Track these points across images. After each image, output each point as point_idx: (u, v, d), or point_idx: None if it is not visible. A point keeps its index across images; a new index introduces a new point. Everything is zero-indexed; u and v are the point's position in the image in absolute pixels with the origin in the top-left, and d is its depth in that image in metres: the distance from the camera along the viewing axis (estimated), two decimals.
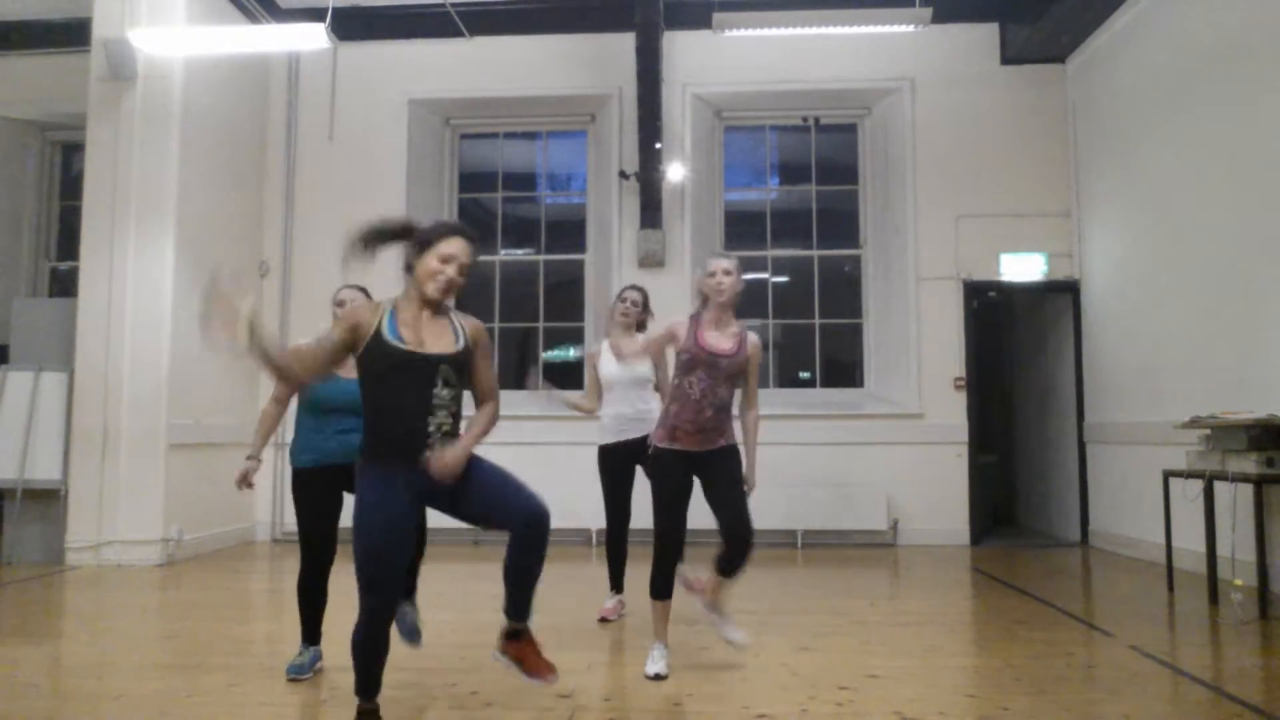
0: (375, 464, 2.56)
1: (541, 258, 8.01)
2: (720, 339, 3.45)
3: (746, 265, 8.08)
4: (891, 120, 7.63)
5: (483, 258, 8.03)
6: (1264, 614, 4.36)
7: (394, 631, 2.85)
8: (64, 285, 8.06)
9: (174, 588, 5.31)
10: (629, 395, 4.43)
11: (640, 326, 4.54)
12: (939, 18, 6.62)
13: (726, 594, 3.64)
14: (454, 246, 2.58)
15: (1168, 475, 5.17)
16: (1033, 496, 8.22)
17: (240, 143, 7.36)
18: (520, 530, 2.55)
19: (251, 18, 7.19)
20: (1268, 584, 4.57)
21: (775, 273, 7.97)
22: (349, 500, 3.24)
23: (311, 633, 3.49)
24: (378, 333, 2.52)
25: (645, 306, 4.55)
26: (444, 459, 2.48)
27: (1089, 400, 7.13)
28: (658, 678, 3.35)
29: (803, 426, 7.16)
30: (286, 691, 3.21)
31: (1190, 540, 5.28)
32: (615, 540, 4.51)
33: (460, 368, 2.57)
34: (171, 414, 6.25)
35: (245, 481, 3.51)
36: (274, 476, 7.51)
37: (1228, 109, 5.39)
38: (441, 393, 2.53)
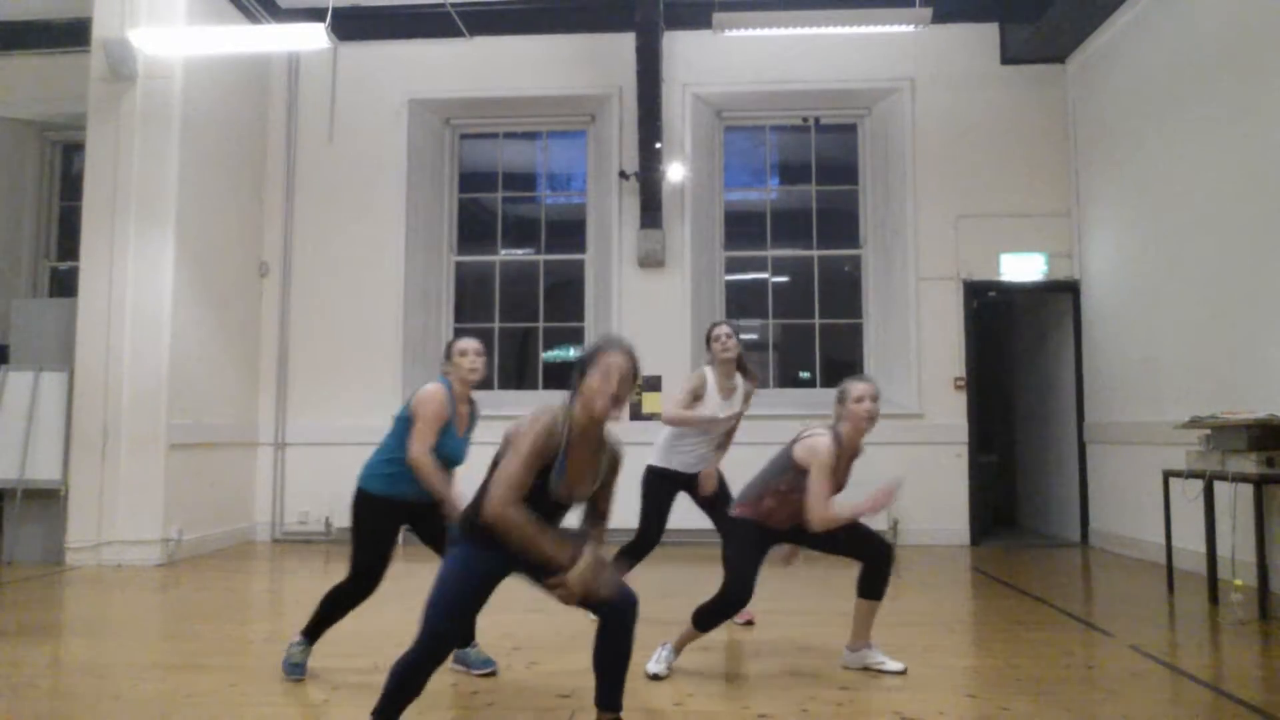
0: (485, 538, 2.44)
1: (541, 258, 8.02)
2: (846, 469, 3.54)
3: (747, 265, 8.15)
4: (891, 120, 7.63)
5: (482, 258, 8.09)
6: (1264, 614, 4.36)
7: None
8: (64, 285, 8.06)
9: (174, 588, 5.31)
10: (715, 434, 4.40)
11: (740, 364, 4.39)
12: (939, 18, 6.63)
13: (871, 617, 3.53)
14: (624, 365, 2.44)
15: (1168, 475, 5.17)
16: (1033, 496, 8.22)
17: (240, 143, 7.36)
18: (608, 617, 2.49)
19: (251, 18, 7.19)
20: (1268, 584, 4.57)
21: (775, 273, 7.97)
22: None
23: (315, 633, 3.47)
24: (549, 468, 2.42)
25: (739, 337, 4.42)
26: (584, 585, 2.40)
27: (1089, 400, 7.13)
28: (655, 678, 3.36)
29: (802, 427, 7.14)
30: (286, 691, 3.21)
31: (1190, 540, 5.29)
32: (639, 553, 4.44)
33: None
34: (171, 414, 6.25)
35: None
36: (274, 476, 7.51)
37: (1228, 108, 5.39)
38: (560, 515, 2.54)
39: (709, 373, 4.35)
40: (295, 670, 3.38)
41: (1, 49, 7.70)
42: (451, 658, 3.39)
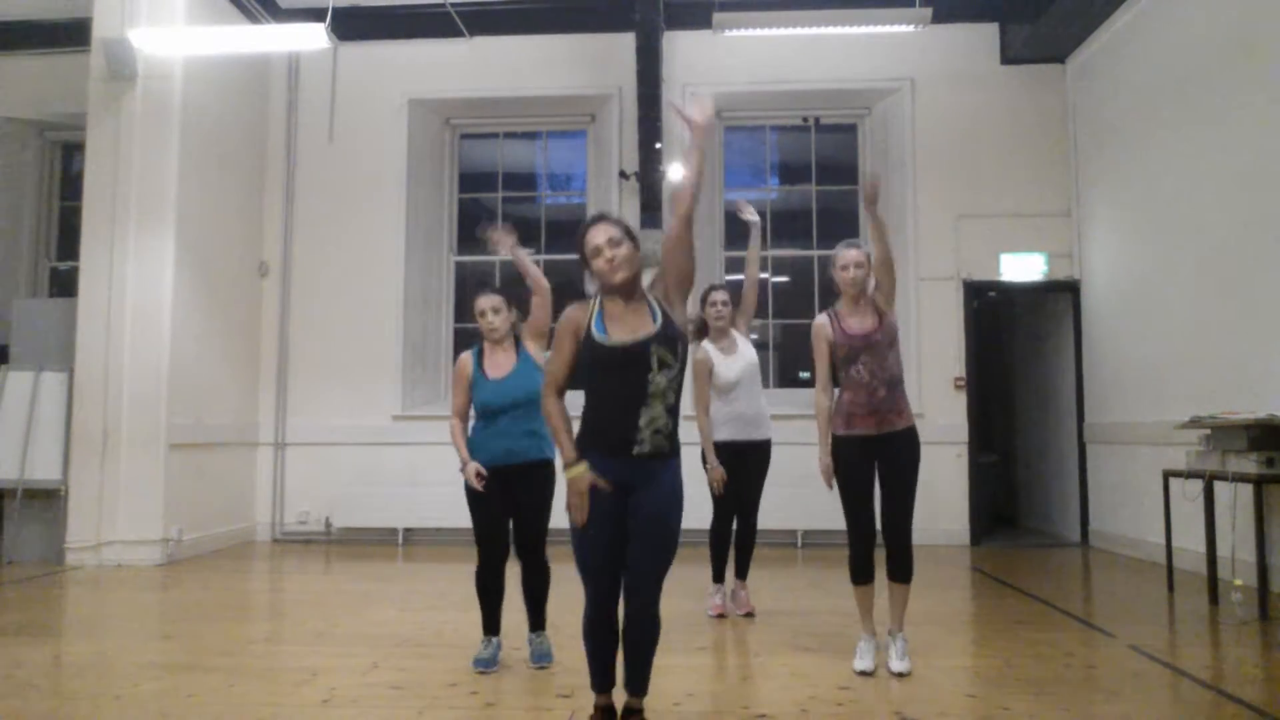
0: (587, 454, 2.51)
1: (541, 258, 8.01)
2: (861, 322, 3.53)
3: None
4: (891, 120, 7.63)
5: (482, 258, 8.08)
6: (1264, 614, 4.36)
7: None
8: (64, 285, 8.05)
9: (174, 588, 5.31)
10: (752, 390, 4.42)
11: (733, 325, 4.49)
12: (939, 18, 6.62)
13: (901, 608, 3.53)
14: (594, 236, 2.58)
15: (1168, 475, 5.17)
16: (1033, 496, 8.22)
17: (240, 143, 7.36)
18: (630, 611, 2.55)
19: (251, 18, 7.19)
20: (1268, 584, 4.57)
21: (775, 273, 7.97)
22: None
23: (491, 624, 3.58)
24: (588, 332, 2.54)
25: (735, 304, 4.51)
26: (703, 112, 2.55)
27: (1089, 400, 7.13)
28: (864, 674, 3.38)
29: (803, 426, 7.09)
30: (286, 691, 3.21)
31: (1190, 540, 5.28)
32: (722, 533, 4.47)
33: (671, 344, 2.51)
34: (171, 414, 6.25)
35: (479, 478, 3.49)
36: (274, 476, 7.51)
37: (1228, 108, 5.39)
38: (658, 379, 2.48)
39: (708, 347, 4.43)
40: (483, 664, 3.48)
41: (1, 49, 7.70)
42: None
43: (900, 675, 3.38)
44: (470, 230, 8.12)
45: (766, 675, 3.42)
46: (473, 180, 8.21)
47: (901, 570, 3.51)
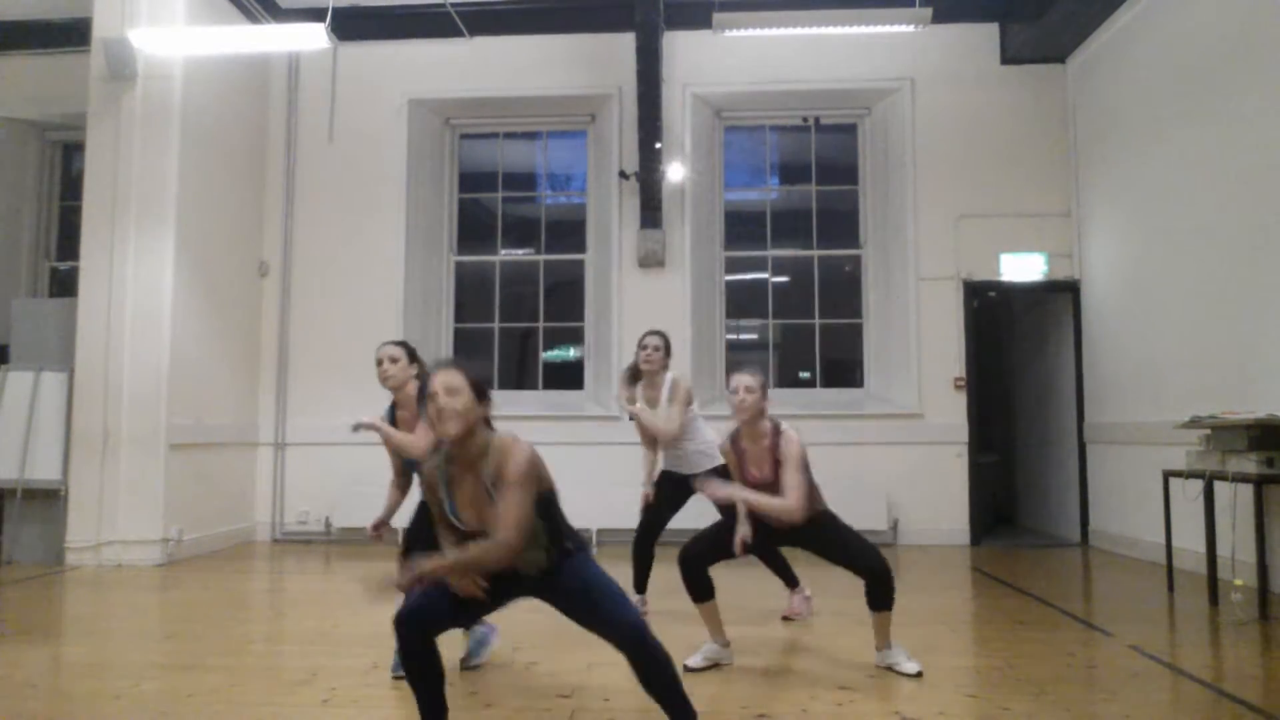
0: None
1: (541, 258, 8.01)
2: (757, 463, 3.51)
3: (747, 265, 8.15)
4: (891, 120, 7.63)
5: (482, 258, 8.09)
6: (1264, 614, 4.36)
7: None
8: (64, 285, 8.06)
9: (174, 588, 5.31)
10: (669, 447, 4.48)
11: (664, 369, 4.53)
12: (939, 18, 6.63)
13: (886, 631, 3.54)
14: (433, 381, 2.40)
15: (1168, 475, 5.17)
16: (1033, 496, 8.22)
17: (240, 143, 7.36)
18: (626, 652, 2.48)
19: (251, 18, 7.19)
20: (1268, 584, 4.57)
21: (775, 273, 7.97)
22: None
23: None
24: (440, 504, 2.51)
25: (667, 351, 4.51)
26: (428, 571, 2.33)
27: (1089, 400, 7.13)
28: (919, 675, 3.39)
29: (803, 426, 7.02)
30: (286, 691, 3.21)
31: (1190, 540, 5.29)
32: (643, 549, 4.50)
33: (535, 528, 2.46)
34: (171, 414, 6.25)
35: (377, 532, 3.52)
36: (274, 476, 7.52)
37: (1228, 108, 5.39)
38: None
39: (639, 399, 4.53)
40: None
41: (1, 49, 7.71)
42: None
43: (918, 675, 3.38)
44: (470, 230, 8.12)
45: (767, 675, 3.41)
46: (473, 180, 8.21)
47: (882, 599, 3.45)
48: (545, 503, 2.47)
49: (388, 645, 3.86)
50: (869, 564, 3.39)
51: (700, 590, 3.54)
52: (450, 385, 2.37)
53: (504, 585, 2.54)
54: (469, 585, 2.44)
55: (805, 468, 3.45)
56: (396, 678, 3.39)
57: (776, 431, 3.53)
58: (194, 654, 3.74)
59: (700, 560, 3.55)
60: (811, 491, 3.48)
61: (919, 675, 3.39)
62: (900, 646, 3.56)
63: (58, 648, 3.89)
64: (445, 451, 2.48)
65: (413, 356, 3.61)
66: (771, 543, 3.62)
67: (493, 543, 2.32)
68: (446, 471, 2.48)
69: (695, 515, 4.72)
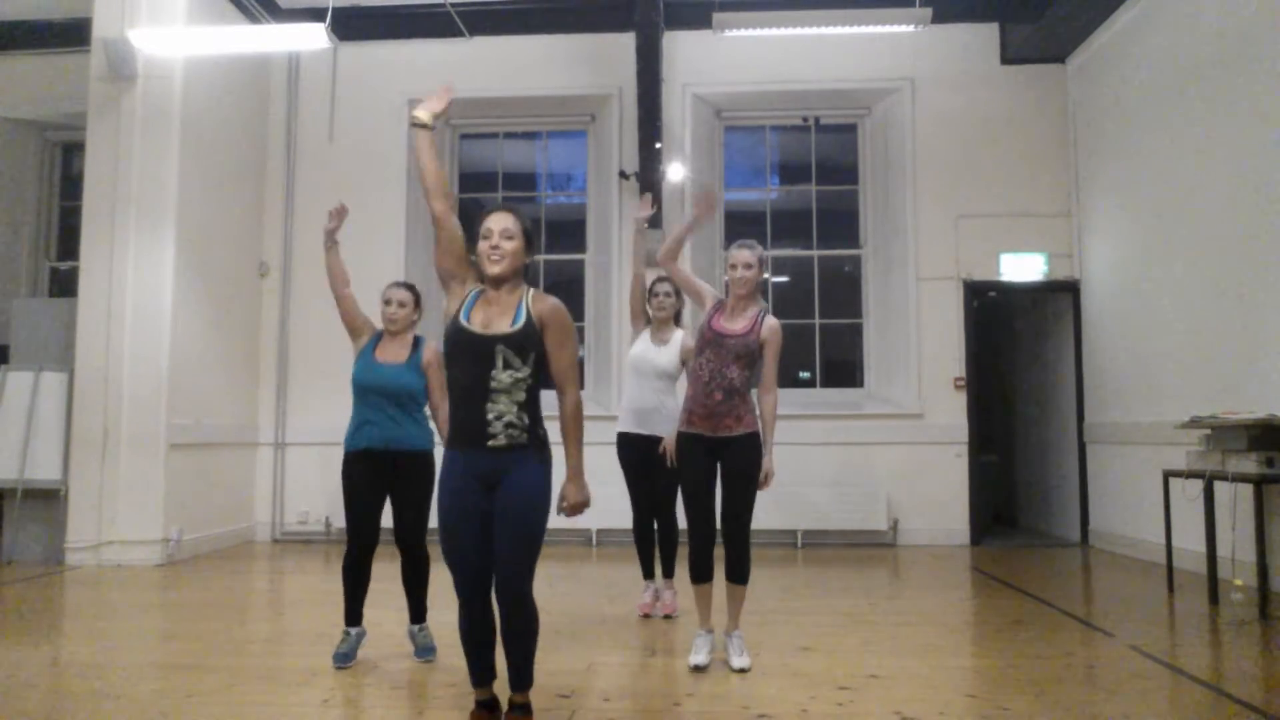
0: (448, 445, 2.62)
1: (542, 258, 8.01)
2: (732, 322, 3.49)
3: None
4: (891, 120, 7.63)
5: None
6: (1264, 614, 4.36)
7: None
8: (64, 285, 8.06)
9: (174, 588, 5.31)
10: (653, 385, 4.42)
11: (676, 319, 4.55)
12: (939, 18, 6.62)
13: (738, 604, 3.56)
14: (491, 221, 2.68)
15: (1168, 475, 5.17)
16: (1033, 496, 8.22)
17: (240, 143, 7.36)
18: (503, 603, 2.54)
19: (251, 18, 7.19)
20: (1268, 584, 4.57)
21: (775, 273, 7.97)
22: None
23: (353, 615, 3.61)
24: (456, 313, 2.60)
25: (679, 296, 4.50)
26: (569, 503, 2.60)
27: (1089, 400, 7.13)
28: (697, 669, 3.40)
29: (803, 426, 7.16)
30: (286, 692, 3.21)
31: (1190, 540, 5.29)
32: (642, 531, 4.51)
33: (520, 348, 2.55)
34: (171, 414, 6.25)
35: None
36: (274, 476, 7.51)
37: (1228, 108, 5.39)
38: (501, 376, 2.52)
39: (643, 336, 4.53)
40: (340, 659, 3.51)
41: (1, 49, 7.70)
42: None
43: (742, 671, 3.41)
44: (470, 229, 8.09)
45: (766, 675, 3.41)
46: (473, 180, 8.21)
47: (737, 571, 3.50)
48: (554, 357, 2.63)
49: (388, 645, 3.86)
50: (741, 532, 3.46)
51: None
52: (507, 229, 2.66)
53: (479, 470, 2.55)
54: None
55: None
56: (339, 669, 3.48)
57: (763, 312, 3.56)
58: (194, 654, 3.74)
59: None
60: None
61: (744, 671, 3.41)
62: (740, 637, 3.56)
63: (58, 648, 3.89)
64: (482, 287, 2.66)
65: (418, 302, 3.85)
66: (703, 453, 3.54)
67: (568, 401, 2.64)
68: (476, 299, 2.63)
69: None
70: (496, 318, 2.58)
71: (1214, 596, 4.69)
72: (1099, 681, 3.30)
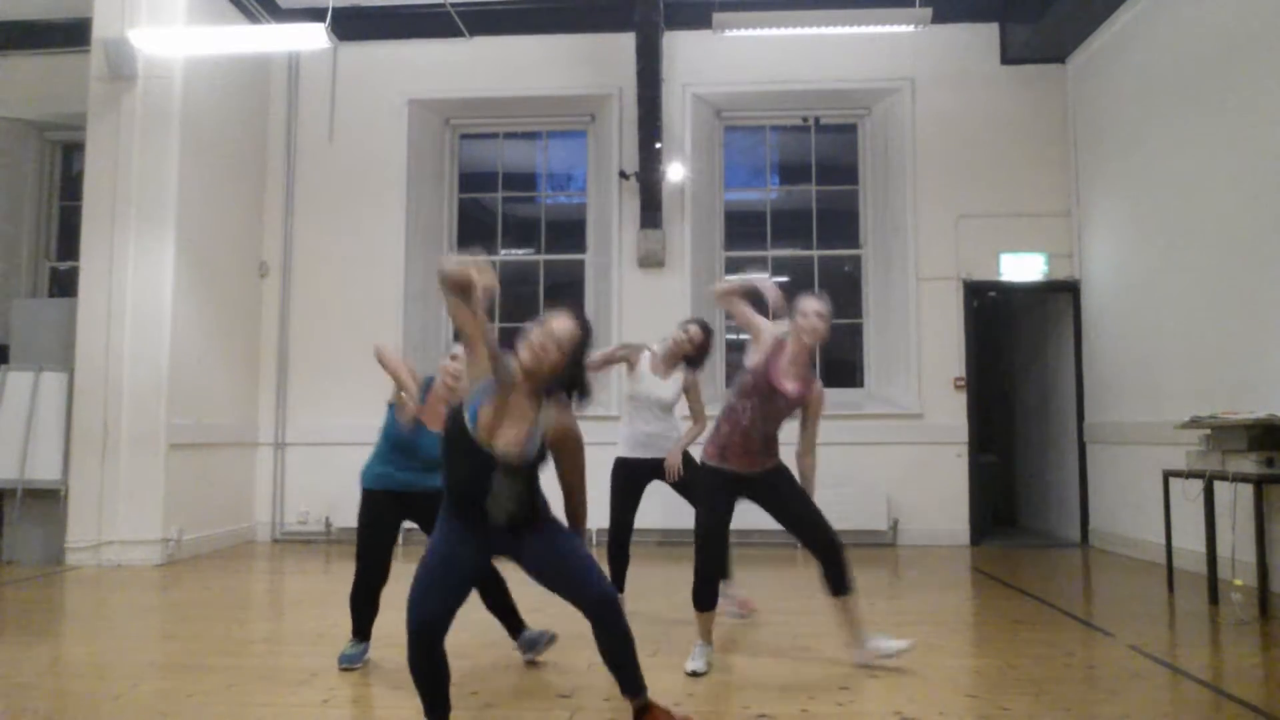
0: (446, 512, 2.60)
1: (542, 258, 8.01)
2: (789, 378, 3.44)
3: (747, 265, 8.14)
4: (891, 120, 7.63)
5: (483, 257, 8.04)
6: (1264, 614, 4.36)
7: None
8: (64, 285, 8.05)
9: (174, 588, 5.31)
10: (654, 413, 4.46)
11: (688, 361, 4.48)
12: (939, 18, 6.62)
13: (854, 614, 3.53)
14: (557, 323, 2.48)
15: (1168, 475, 5.17)
16: (1033, 496, 8.22)
17: (240, 143, 7.36)
18: (593, 615, 2.56)
19: (251, 18, 7.19)
20: (1268, 584, 4.57)
21: (775, 273, 7.96)
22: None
23: (361, 632, 3.65)
24: (461, 406, 2.50)
25: (702, 348, 4.43)
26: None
27: (1089, 400, 7.13)
28: (695, 674, 3.40)
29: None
30: (286, 692, 3.21)
31: (1190, 540, 5.28)
32: (618, 548, 4.51)
33: (525, 473, 2.48)
34: (171, 414, 6.25)
35: None
36: (274, 476, 7.51)
37: (1228, 108, 5.39)
38: (501, 479, 2.45)
39: (647, 354, 4.53)
40: (347, 660, 3.53)
41: (1, 49, 7.70)
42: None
43: (902, 653, 3.42)
44: (470, 230, 8.11)
45: (766, 675, 3.41)
46: (473, 180, 8.21)
47: (843, 582, 3.46)
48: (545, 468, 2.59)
49: (387, 646, 3.86)
50: (829, 537, 3.44)
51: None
52: (565, 338, 2.47)
53: (478, 538, 2.55)
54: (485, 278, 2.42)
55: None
56: (345, 669, 3.48)
57: (815, 375, 3.55)
58: (194, 654, 3.74)
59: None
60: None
61: (909, 650, 3.42)
62: (878, 634, 3.55)
63: (58, 648, 3.89)
64: (509, 377, 2.49)
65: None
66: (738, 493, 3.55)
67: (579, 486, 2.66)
68: (494, 389, 2.48)
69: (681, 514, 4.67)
70: (506, 428, 2.46)
71: (1214, 596, 4.69)
72: (1099, 681, 3.30)
